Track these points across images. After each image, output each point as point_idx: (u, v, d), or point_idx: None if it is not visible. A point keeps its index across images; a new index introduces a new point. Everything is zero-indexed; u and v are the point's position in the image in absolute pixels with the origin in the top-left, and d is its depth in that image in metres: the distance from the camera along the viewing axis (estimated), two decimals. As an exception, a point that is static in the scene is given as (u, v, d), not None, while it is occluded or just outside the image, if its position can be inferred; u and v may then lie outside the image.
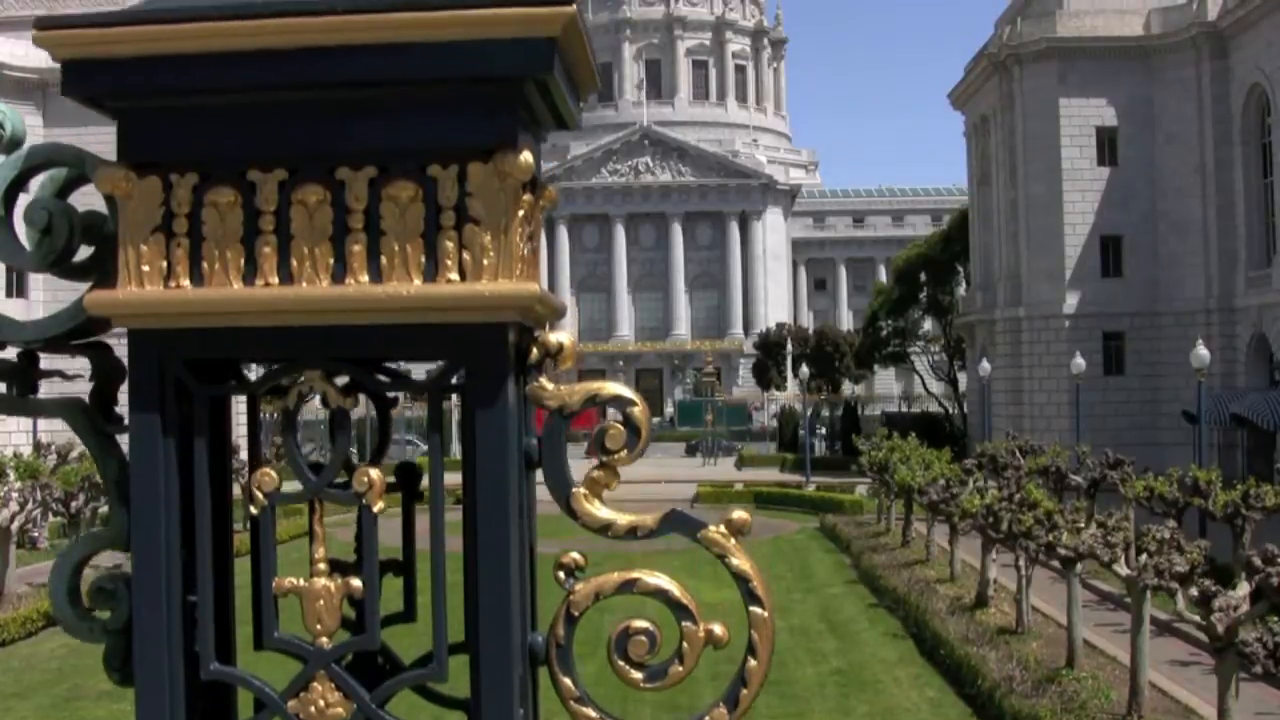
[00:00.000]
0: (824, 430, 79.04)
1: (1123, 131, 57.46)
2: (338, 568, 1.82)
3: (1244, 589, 15.00)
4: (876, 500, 42.93)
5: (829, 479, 56.58)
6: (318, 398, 1.84)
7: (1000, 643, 21.99)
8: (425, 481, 1.86)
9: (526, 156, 1.69)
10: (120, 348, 1.86)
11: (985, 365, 57.78)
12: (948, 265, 74.93)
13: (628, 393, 1.78)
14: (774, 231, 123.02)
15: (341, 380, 1.82)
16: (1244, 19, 52.81)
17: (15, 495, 29.71)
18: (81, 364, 1.99)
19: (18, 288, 53.69)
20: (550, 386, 1.79)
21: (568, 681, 1.78)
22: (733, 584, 1.75)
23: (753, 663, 1.75)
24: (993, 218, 63.57)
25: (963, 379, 73.90)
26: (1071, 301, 57.70)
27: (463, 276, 1.71)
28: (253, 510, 1.80)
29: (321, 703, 1.77)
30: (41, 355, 1.95)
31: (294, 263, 1.73)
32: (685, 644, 1.74)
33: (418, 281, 1.71)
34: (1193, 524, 28.81)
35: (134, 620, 1.78)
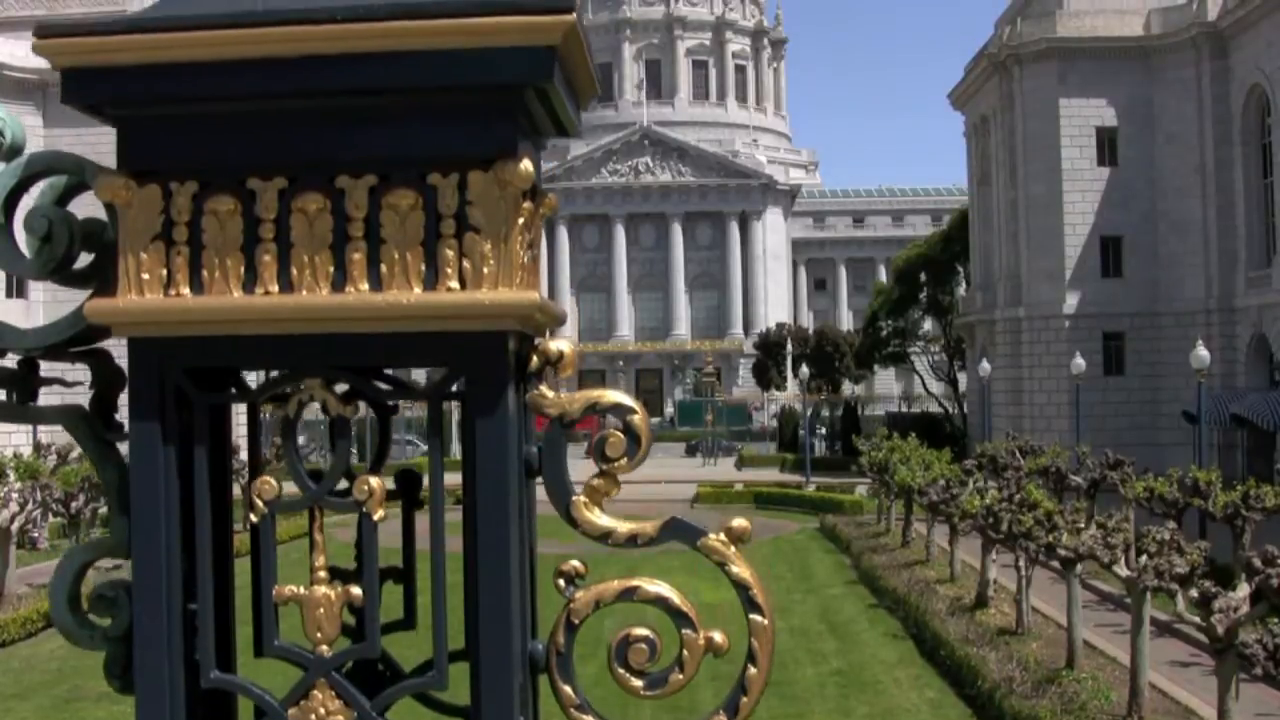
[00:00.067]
0: (824, 430, 79.09)
1: (1123, 131, 57.46)
2: (338, 575, 1.82)
3: (1244, 590, 14.98)
4: (876, 501, 42.92)
5: (829, 479, 56.56)
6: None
7: (1000, 643, 21.99)
8: (425, 485, 1.86)
9: (527, 165, 1.69)
10: (121, 355, 1.86)
11: (985, 365, 57.79)
12: (948, 265, 74.95)
13: (628, 400, 1.78)
14: (774, 231, 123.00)
15: (342, 388, 1.82)
16: (1244, 19, 52.80)
17: (15, 496, 29.71)
18: (82, 371, 1.99)
19: (17, 289, 53.66)
20: (550, 394, 1.79)
21: (568, 689, 1.78)
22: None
23: (753, 670, 1.75)
24: (993, 218, 63.57)
25: (963, 379, 73.90)
26: (1071, 302, 57.68)
27: (463, 285, 1.71)
28: (253, 518, 1.80)
29: (322, 710, 1.77)
30: (41, 362, 1.95)
31: (294, 271, 1.73)
32: (685, 652, 1.74)
33: (418, 290, 1.71)
34: (1193, 525, 28.79)
35: (134, 628, 1.78)
